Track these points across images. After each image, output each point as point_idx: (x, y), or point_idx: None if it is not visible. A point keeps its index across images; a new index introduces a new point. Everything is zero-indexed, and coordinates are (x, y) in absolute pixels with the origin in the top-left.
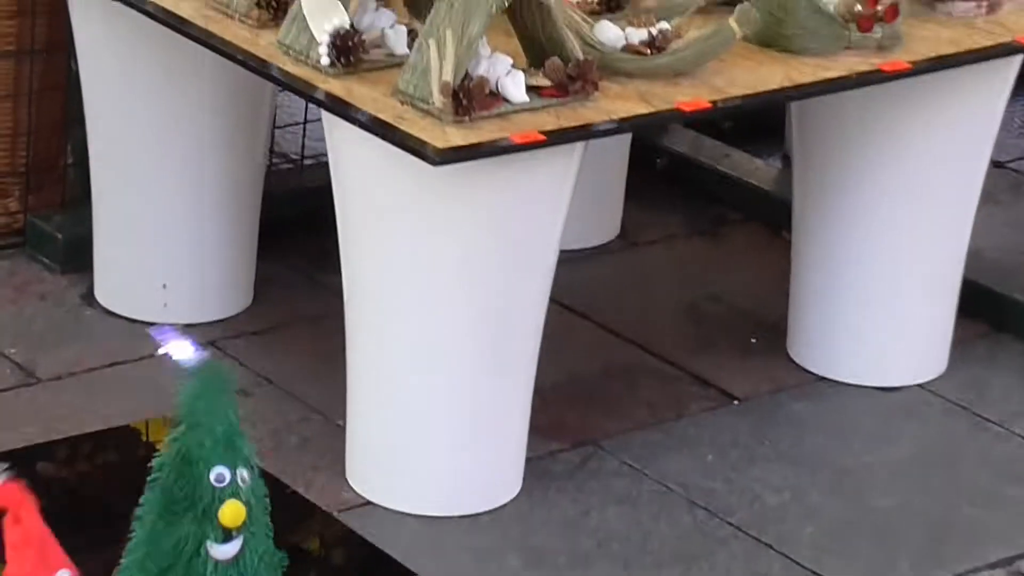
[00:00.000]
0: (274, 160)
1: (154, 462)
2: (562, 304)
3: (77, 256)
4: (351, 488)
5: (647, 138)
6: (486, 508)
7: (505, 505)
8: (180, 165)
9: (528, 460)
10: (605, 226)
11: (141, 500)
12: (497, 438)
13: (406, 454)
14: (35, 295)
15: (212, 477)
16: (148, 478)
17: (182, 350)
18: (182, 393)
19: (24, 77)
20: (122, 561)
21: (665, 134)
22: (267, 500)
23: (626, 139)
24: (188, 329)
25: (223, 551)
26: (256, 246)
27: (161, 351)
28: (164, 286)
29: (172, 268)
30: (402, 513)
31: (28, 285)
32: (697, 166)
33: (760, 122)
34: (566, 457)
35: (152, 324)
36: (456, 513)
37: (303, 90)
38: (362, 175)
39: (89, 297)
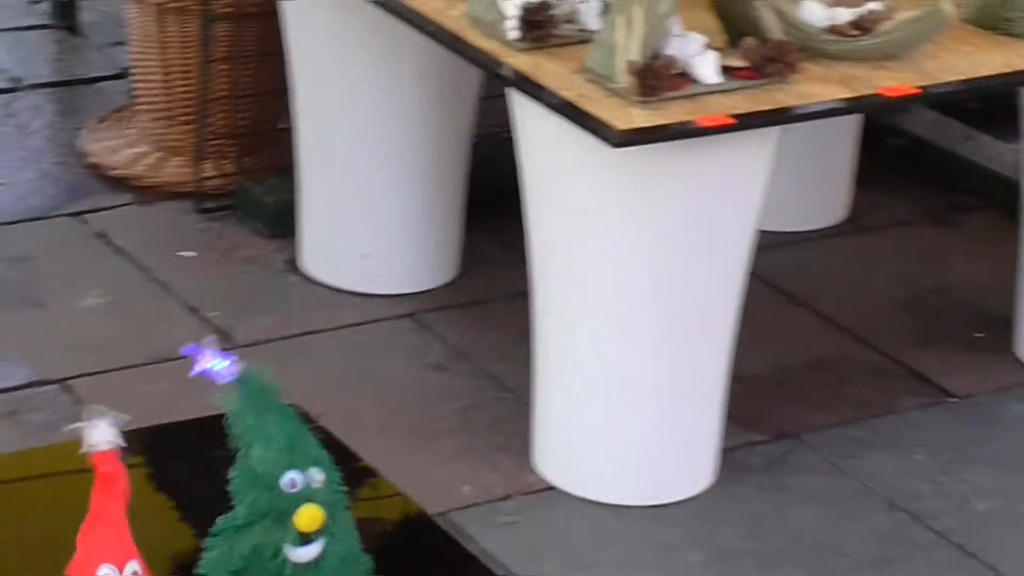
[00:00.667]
0: (489, 130)
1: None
2: (777, 288)
3: (285, 221)
4: (536, 472)
5: (882, 117)
6: (673, 499)
7: (694, 497)
8: (385, 135)
9: (723, 451)
10: (831, 208)
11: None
12: (688, 428)
13: (593, 440)
14: (241, 259)
15: (283, 484)
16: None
17: (218, 364)
18: (229, 412)
19: (242, 40)
20: (202, 556)
21: (904, 113)
22: (348, 501)
23: (856, 117)
24: (388, 300)
25: (302, 554)
26: (463, 219)
27: (197, 368)
28: (366, 256)
29: (376, 238)
30: (586, 500)
31: (235, 249)
32: (935, 148)
33: (1011, 103)
34: (764, 450)
35: (354, 293)
36: (642, 503)
37: (488, 65)
38: (547, 153)
39: (293, 264)
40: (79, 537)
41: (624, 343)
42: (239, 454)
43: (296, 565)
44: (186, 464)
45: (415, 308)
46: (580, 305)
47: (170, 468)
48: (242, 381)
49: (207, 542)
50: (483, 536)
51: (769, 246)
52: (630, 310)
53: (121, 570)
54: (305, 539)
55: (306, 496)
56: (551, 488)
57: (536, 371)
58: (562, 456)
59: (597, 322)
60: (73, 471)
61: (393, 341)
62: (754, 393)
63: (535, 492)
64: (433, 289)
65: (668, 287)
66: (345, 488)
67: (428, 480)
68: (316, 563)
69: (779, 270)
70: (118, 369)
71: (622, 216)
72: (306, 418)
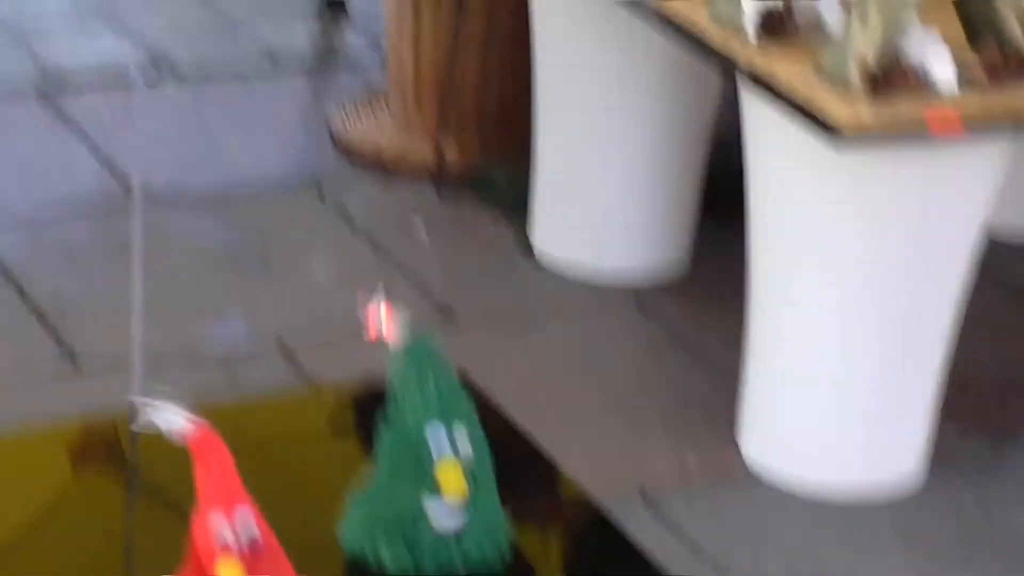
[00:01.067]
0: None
1: (379, 428)
2: (1016, 288)
3: (522, 205)
4: (743, 458)
5: None
6: (880, 493)
7: (902, 492)
8: (623, 125)
9: (936, 448)
10: None
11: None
12: (899, 422)
13: (802, 429)
14: (476, 239)
15: (430, 444)
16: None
17: (393, 325)
18: (392, 366)
19: (492, 26)
20: (346, 515)
21: None
22: (492, 467)
23: None
24: (616, 283)
25: (444, 515)
26: (698, 204)
27: (375, 327)
28: (597, 239)
29: (608, 224)
30: (791, 489)
31: (471, 230)
32: None
33: None
34: (978, 448)
35: (584, 276)
36: (847, 495)
37: (725, 63)
38: (773, 149)
39: (526, 247)
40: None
41: (838, 336)
42: (390, 413)
43: (437, 530)
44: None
45: (643, 292)
46: (796, 297)
47: (361, 427)
48: (411, 345)
49: (349, 504)
50: (684, 519)
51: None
52: (846, 304)
53: (232, 521)
54: (446, 499)
55: (450, 457)
56: (757, 475)
57: (749, 358)
58: (770, 443)
59: (812, 314)
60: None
61: (618, 326)
62: (974, 392)
63: (740, 478)
64: (662, 275)
65: (886, 285)
66: (492, 456)
67: (633, 460)
68: (457, 530)
69: (1018, 270)
70: (337, 336)
71: (842, 220)
72: (473, 388)
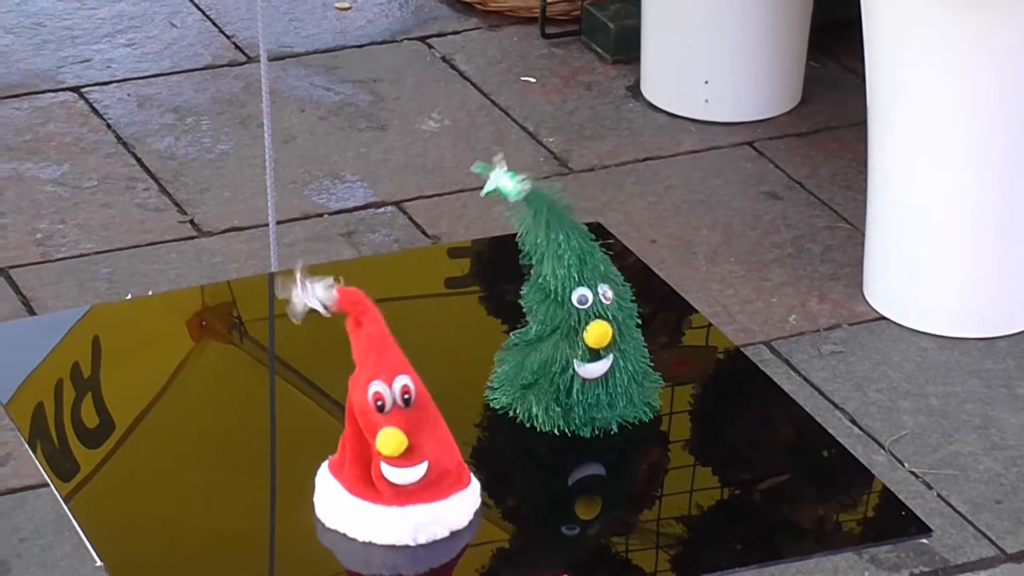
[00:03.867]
0: None
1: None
2: None
3: (628, 47)
4: (866, 301)
5: None
6: (1005, 332)
7: None
8: None
9: None
10: None
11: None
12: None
13: (924, 270)
14: (582, 85)
15: (574, 300)
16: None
17: (508, 182)
18: (519, 227)
19: None
20: (493, 372)
21: None
22: (638, 317)
23: None
24: (727, 128)
25: (590, 370)
26: (807, 45)
27: (488, 187)
28: (706, 82)
29: (717, 64)
30: (915, 330)
31: (577, 74)
32: None
33: None
34: None
35: (693, 120)
36: (972, 335)
37: None
38: None
39: (635, 89)
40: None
41: (963, 173)
42: (531, 271)
43: (585, 380)
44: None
45: (754, 136)
46: (918, 134)
47: (493, 284)
48: (532, 199)
49: (498, 356)
50: (808, 365)
51: None
52: (972, 140)
53: (390, 385)
54: (594, 355)
55: (596, 312)
56: (881, 318)
57: (870, 200)
58: (893, 286)
59: (936, 151)
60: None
61: (730, 169)
62: None
63: (864, 322)
64: (773, 116)
65: (1012, 117)
66: (635, 304)
67: (755, 308)
68: (605, 379)
69: None
70: (454, 192)
71: (967, 42)
72: (603, 236)
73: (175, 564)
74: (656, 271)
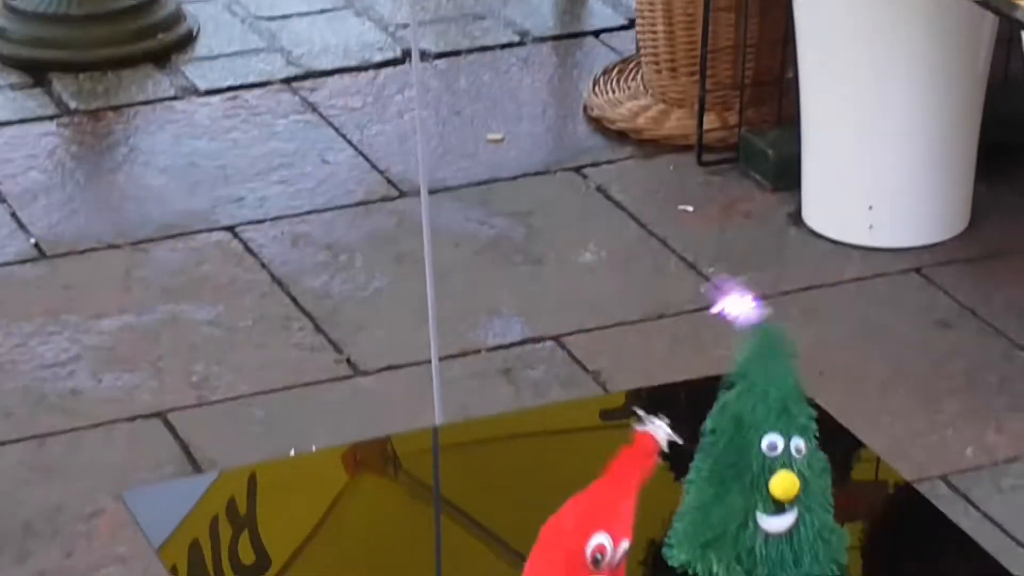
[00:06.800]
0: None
1: (705, 425)
2: None
3: (788, 174)
4: None
5: None
6: None
7: None
8: (891, 83)
9: None
10: None
11: (691, 464)
12: None
13: None
14: (741, 213)
15: (764, 445)
16: (699, 442)
17: (742, 306)
18: (738, 354)
19: None
20: (671, 527)
21: None
22: (828, 474)
23: None
24: (893, 254)
25: (774, 524)
26: (974, 168)
27: (719, 306)
28: (870, 208)
29: (880, 189)
30: None
31: (736, 203)
32: None
33: None
34: None
35: (857, 247)
36: None
37: (1003, 9)
38: None
39: (796, 217)
40: (578, 496)
41: None
42: (725, 402)
43: (769, 536)
44: (675, 428)
45: (921, 262)
46: None
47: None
48: (759, 330)
49: (676, 516)
50: (986, 501)
51: None
52: None
53: (616, 545)
54: (778, 507)
55: (783, 462)
56: None
57: None
58: None
59: None
60: (564, 431)
61: (898, 296)
62: None
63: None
64: (941, 242)
65: None
66: (826, 458)
67: (930, 441)
68: (789, 534)
69: None
70: (614, 325)
71: None
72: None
73: None
74: (823, 405)
